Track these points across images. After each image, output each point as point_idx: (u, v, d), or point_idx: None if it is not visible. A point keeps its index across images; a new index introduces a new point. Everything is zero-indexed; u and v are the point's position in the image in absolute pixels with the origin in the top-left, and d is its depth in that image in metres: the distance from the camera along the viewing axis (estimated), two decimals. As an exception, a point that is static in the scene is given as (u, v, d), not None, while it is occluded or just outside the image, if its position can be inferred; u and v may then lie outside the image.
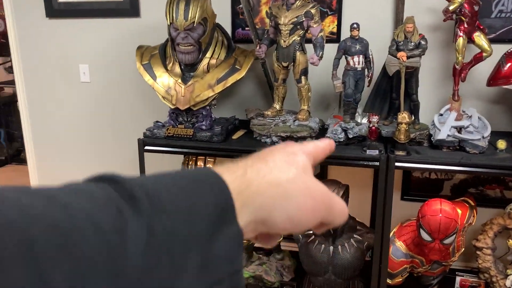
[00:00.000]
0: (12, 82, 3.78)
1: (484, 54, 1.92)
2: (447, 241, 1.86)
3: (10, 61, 2.99)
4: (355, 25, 1.92)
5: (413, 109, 2.01)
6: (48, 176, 3.11)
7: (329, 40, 2.22)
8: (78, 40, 2.76)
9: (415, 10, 2.14)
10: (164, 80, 2.15)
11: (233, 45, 2.26)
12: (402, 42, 1.91)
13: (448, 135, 1.89)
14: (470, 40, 1.92)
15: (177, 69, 2.15)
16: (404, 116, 1.83)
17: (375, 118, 1.88)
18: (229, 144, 2.11)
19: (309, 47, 2.02)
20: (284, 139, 2.03)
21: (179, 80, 2.13)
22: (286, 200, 0.37)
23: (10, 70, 4.20)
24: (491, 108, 2.24)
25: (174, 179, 0.36)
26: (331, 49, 2.04)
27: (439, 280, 2.17)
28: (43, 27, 2.80)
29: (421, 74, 2.01)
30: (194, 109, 2.14)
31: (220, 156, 2.22)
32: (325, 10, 2.30)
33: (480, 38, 1.91)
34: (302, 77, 2.04)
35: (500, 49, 1.99)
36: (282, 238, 2.27)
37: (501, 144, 1.88)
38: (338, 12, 2.30)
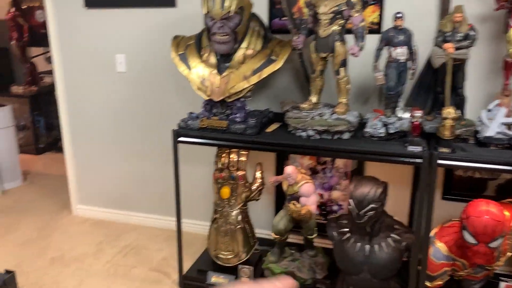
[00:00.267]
0: (51, 72, 3.86)
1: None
2: (493, 244, 1.75)
3: (50, 51, 3.04)
4: (399, 15, 1.82)
5: (459, 104, 1.90)
6: (84, 165, 3.16)
7: (370, 31, 2.13)
8: (115, 30, 2.77)
9: (463, -1, 2.02)
10: (199, 71, 2.12)
11: (269, 35, 2.20)
12: (449, 33, 1.80)
13: (497, 132, 1.78)
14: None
15: (213, 59, 2.12)
16: (449, 111, 1.73)
17: (418, 113, 1.78)
18: (263, 137, 2.07)
19: (347, 37, 1.94)
20: (320, 133, 1.96)
21: (214, 71, 2.09)
22: None
23: (49, 60, 4.29)
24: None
25: None
26: (371, 40, 1.95)
27: (482, 285, 2.05)
28: (81, 17, 2.83)
29: (468, 67, 1.90)
30: (229, 100, 2.10)
31: (254, 149, 2.17)
32: (366, -1, 2.21)
33: (535, 29, 1.78)
34: (341, 68, 1.96)
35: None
36: (316, 234, 2.21)
37: (556, 143, 1.75)
38: (380, 2, 2.20)
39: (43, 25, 4.36)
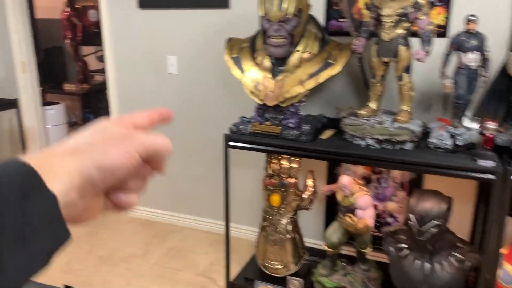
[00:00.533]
0: (102, 71, 3.93)
1: None
2: None
3: (102, 50, 3.07)
4: (473, 18, 1.68)
5: (537, 115, 1.74)
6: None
7: (436, 34, 1.99)
8: (168, 31, 2.76)
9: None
10: (253, 74, 2.05)
11: (326, 37, 2.11)
12: (529, 37, 1.64)
13: None
14: None
15: (267, 62, 2.05)
16: (528, 124, 1.58)
17: (492, 125, 1.64)
18: (318, 144, 1.98)
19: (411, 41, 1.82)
20: (380, 142, 1.85)
21: (269, 75, 2.02)
22: (90, 153, 0.40)
23: (101, 59, 4.37)
24: None
25: None
26: (437, 44, 1.82)
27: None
28: (134, 17, 2.83)
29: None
30: (283, 105, 2.02)
31: (307, 157, 2.08)
32: (431, 0, 2.06)
33: None
34: (404, 74, 1.84)
35: None
36: (371, 249, 2.10)
37: None
38: (447, 3, 2.06)
39: (96, 24, 4.45)
